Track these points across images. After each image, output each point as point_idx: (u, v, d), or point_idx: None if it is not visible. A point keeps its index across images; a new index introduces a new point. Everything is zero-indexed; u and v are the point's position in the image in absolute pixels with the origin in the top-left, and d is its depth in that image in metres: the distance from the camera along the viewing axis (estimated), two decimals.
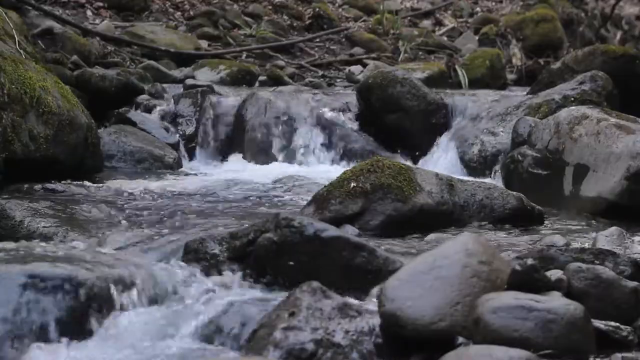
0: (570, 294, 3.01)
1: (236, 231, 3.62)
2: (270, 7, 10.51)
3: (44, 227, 4.27)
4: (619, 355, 2.87)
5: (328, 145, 6.92)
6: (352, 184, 4.39)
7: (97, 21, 9.17)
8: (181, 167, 6.57)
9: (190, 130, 7.01)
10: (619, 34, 11.79)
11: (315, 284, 3.00)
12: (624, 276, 3.15)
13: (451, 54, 9.75)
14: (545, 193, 5.22)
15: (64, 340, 3.08)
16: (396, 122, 6.91)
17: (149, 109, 7.04)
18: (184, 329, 3.17)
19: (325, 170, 6.54)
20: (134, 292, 3.30)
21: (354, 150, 6.89)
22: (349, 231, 4.09)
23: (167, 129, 6.90)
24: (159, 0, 10.01)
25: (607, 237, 3.94)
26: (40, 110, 5.46)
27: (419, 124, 6.90)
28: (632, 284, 3.09)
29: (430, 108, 6.94)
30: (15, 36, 6.29)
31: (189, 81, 7.68)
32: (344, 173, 4.52)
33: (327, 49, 9.84)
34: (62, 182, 5.32)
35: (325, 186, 4.51)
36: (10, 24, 6.40)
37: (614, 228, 4.04)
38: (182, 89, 7.44)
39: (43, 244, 3.88)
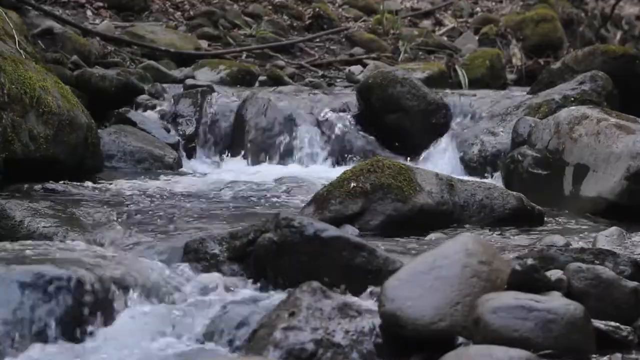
0: (570, 294, 3.01)
1: (236, 231, 3.62)
2: (270, 7, 10.51)
3: (44, 227, 4.27)
4: (619, 355, 2.87)
5: (328, 146, 6.92)
6: (352, 184, 4.39)
7: (97, 21, 9.17)
8: (181, 167, 6.57)
9: (190, 130, 7.01)
10: (619, 34, 11.79)
11: (315, 284, 3.00)
12: (624, 276, 3.15)
13: (451, 54, 9.75)
14: (545, 193, 5.22)
15: (64, 340, 3.08)
16: (396, 122, 6.91)
17: (149, 109, 7.04)
18: (184, 329, 3.17)
19: (325, 170, 6.54)
20: (134, 292, 3.30)
21: (354, 150, 6.89)
22: (349, 231, 4.09)
23: (167, 129, 6.90)
24: (159, 0, 10.01)
25: (607, 237, 3.94)
26: (40, 110, 5.46)
27: (419, 124, 6.90)
28: (632, 284, 3.09)
29: (430, 108, 6.94)
30: (15, 36, 6.29)
31: (189, 81, 7.68)
32: (344, 173, 4.52)
33: (327, 49, 9.84)
34: (62, 182, 5.32)
35: (325, 186, 4.51)
36: (10, 24, 6.40)
37: (614, 228, 4.03)
38: (182, 89, 7.44)
39: (43, 244, 3.88)
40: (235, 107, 7.08)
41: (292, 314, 2.88)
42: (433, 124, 6.90)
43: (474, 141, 6.46)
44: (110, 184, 5.50)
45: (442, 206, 4.49)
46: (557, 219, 4.88)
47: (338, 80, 8.88)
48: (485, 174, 6.18)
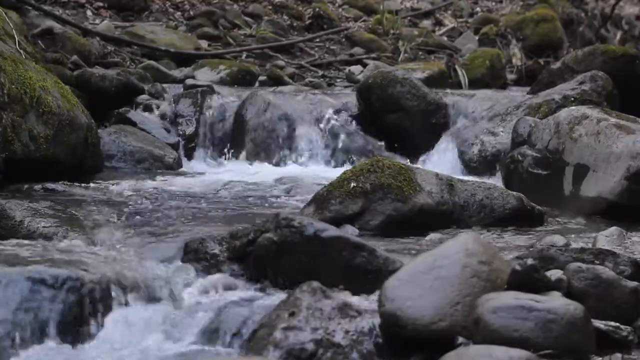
0: (570, 294, 3.01)
1: (236, 231, 3.62)
2: (270, 7, 10.51)
3: (44, 227, 4.27)
4: (619, 355, 2.87)
5: (328, 146, 6.92)
6: (352, 184, 4.39)
7: (97, 21, 9.17)
8: (181, 167, 6.57)
9: (190, 130, 7.01)
10: (619, 34, 11.79)
11: (315, 284, 3.00)
12: (624, 276, 3.15)
13: (451, 54, 9.75)
14: (545, 193, 5.22)
15: (64, 340, 3.08)
16: (396, 122, 6.91)
17: (149, 109, 7.04)
18: (184, 328, 3.17)
19: (325, 170, 6.54)
20: (134, 292, 3.30)
21: (354, 150, 6.89)
22: (349, 231, 4.09)
23: (167, 129, 6.90)
24: (159, 0, 10.01)
25: (607, 237, 3.94)
26: (40, 110, 5.46)
27: (419, 124, 6.90)
28: (632, 284, 3.09)
29: (430, 108, 6.94)
30: (15, 36, 6.29)
31: (189, 81, 7.68)
32: (344, 173, 4.52)
33: (327, 49, 9.84)
34: (62, 182, 5.32)
35: (325, 186, 4.51)
36: (10, 24, 6.40)
37: (614, 228, 4.03)
38: (182, 89, 7.44)
39: (43, 244, 3.88)
40: (235, 107, 7.09)
41: (292, 314, 2.88)
42: (433, 124, 6.90)
43: (474, 141, 6.47)
44: (110, 184, 5.50)
45: (442, 206, 4.49)
46: (557, 219, 4.88)
47: (338, 80, 8.88)
48: (486, 174, 6.18)
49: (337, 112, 7.10)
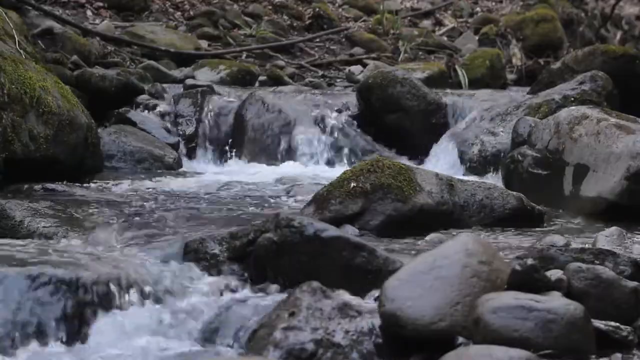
0: (570, 294, 3.01)
1: (236, 231, 3.62)
2: (270, 7, 10.51)
3: (44, 227, 4.27)
4: (619, 355, 2.87)
5: (328, 146, 6.92)
6: (352, 184, 4.38)
7: (97, 21, 9.17)
8: (181, 167, 6.57)
9: (190, 130, 7.02)
10: (619, 34, 11.79)
11: (315, 284, 3.00)
12: (624, 276, 3.15)
13: (451, 54, 9.75)
14: (545, 193, 5.22)
15: (64, 340, 3.08)
16: (396, 122, 6.92)
17: (149, 109, 7.04)
18: (183, 329, 3.17)
19: (325, 170, 6.54)
20: (134, 292, 3.30)
21: (354, 150, 6.89)
22: (349, 231, 4.09)
23: (167, 129, 6.90)
24: (159, 0, 10.01)
25: (607, 237, 3.94)
26: (40, 110, 5.46)
27: (419, 124, 6.90)
28: (632, 284, 3.09)
29: (430, 108, 6.95)
30: (15, 36, 6.29)
31: (189, 81, 7.68)
32: (344, 173, 4.52)
33: (327, 49, 9.84)
34: (62, 182, 5.32)
35: (325, 186, 4.50)
36: (10, 24, 6.40)
37: (614, 228, 4.03)
38: (182, 89, 7.44)
39: (43, 243, 3.88)
40: (235, 107, 7.09)
41: (292, 314, 2.88)
42: (433, 124, 6.90)
43: (474, 141, 6.47)
44: (110, 184, 5.50)
45: (442, 206, 4.49)
46: (557, 219, 4.88)
47: (338, 80, 8.89)
48: (486, 174, 6.18)
49: (337, 112, 7.10)
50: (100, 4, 9.57)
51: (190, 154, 6.93)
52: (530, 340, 2.70)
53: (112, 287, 3.26)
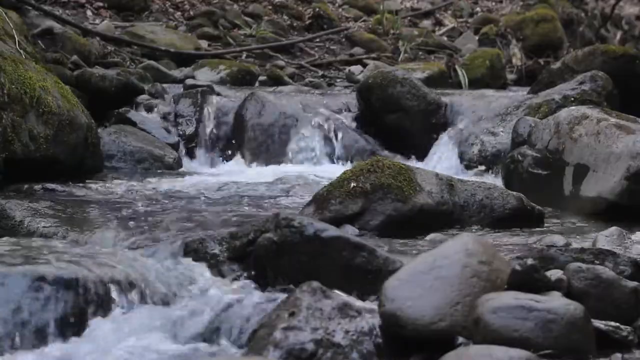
0: (570, 294, 3.01)
1: (236, 231, 3.62)
2: (270, 7, 10.51)
3: (44, 227, 4.27)
4: (619, 355, 2.87)
5: (328, 146, 6.92)
6: (352, 184, 4.38)
7: (97, 21, 9.17)
8: (181, 167, 6.57)
9: (190, 130, 7.01)
10: (619, 34, 11.79)
11: (315, 284, 3.00)
12: (624, 276, 3.15)
13: (451, 54, 9.75)
14: (545, 193, 5.22)
15: (63, 340, 3.08)
16: (396, 122, 6.91)
17: (149, 109, 7.04)
18: (183, 329, 3.16)
19: (325, 170, 6.53)
20: (134, 292, 3.30)
21: (354, 150, 6.89)
22: (349, 231, 4.09)
23: (167, 129, 6.90)
24: (159, 0, 10.01)
25: (607, 237, 3.94)
26: (40, 110, 5.46)
27: (419, 124, 6.90)
28: (632, 284, 3.09)
29: (430, 108, 6.94)
30: (15, 36, 6.29)
31: (189, 81, 7.68)
32: (344, 173, 4.52)
33: (327, 49, 9.84)
34: (62, 182, 5.32)
35: (325, 186, 4.50)
36: (10, 24, 6.40)
37: (614, 228, 4.03)
38: (182, 89, 7.44)
39: (43, 243, 3.88)
40: (235, 107, 7.08)
41: (292, 314, 2.88)
42: (433, 124, 6.90)
43: (474, 141, 6.47)
44: (110, 184, 5.50)
45: (442, 206, 4.49)
46: (557, 219, 4.88)
47: (338, 80, 8.89)
48: (485, 174, 6.18)
49: (337, 112, 7.10)
50: (100, 4, 9.57)
51: (190, 154, 6.93)
52: (530, 340, 2.70)
53: (112, 287, 3.26)
